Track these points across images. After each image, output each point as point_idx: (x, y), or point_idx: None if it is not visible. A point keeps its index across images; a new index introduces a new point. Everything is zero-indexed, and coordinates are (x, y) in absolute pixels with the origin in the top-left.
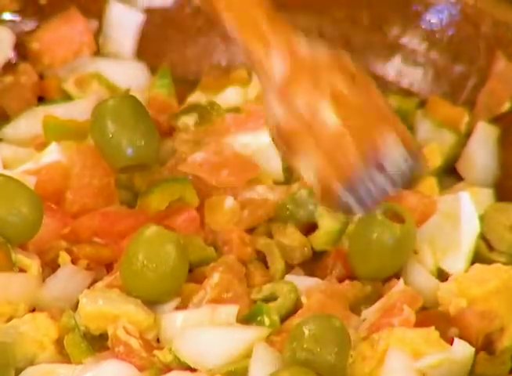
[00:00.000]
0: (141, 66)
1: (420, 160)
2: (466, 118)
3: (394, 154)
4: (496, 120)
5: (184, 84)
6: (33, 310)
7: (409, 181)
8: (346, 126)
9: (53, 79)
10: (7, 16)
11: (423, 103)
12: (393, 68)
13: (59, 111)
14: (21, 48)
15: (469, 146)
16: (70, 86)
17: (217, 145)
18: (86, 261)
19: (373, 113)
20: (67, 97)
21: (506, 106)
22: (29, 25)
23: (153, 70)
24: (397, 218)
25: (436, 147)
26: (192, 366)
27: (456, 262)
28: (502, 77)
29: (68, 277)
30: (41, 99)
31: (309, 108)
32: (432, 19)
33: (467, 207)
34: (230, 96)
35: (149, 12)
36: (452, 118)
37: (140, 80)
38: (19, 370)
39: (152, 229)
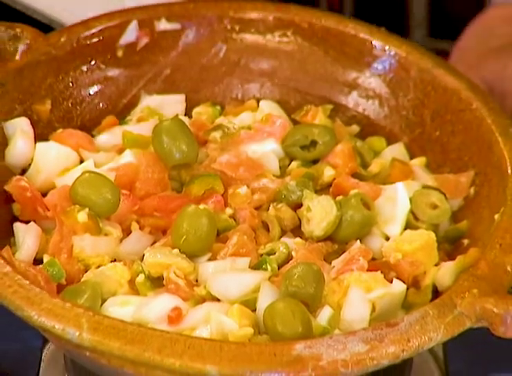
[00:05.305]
0: (180, 99)
1: None
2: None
3: None
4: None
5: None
6: (114, 260)
7: None
8: None
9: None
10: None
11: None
12: (352, 100)
13: (133, 129)
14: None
15: None
16: (134, 123)
17: (235, 151)
18: (149, 228)
19: None
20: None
21: None
22: (109, 72)
23: (192, 101)
24: (365, 204)
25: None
26: (219, 298)
27: (394, 228)
28: None
29: (137, 239)
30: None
31: None
32: (378, 66)
33: (402, 193)
34: (244, 118)
35: (190, 61)
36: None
37: (179, 108)
38: (104, 301)
39: (192, 207)
